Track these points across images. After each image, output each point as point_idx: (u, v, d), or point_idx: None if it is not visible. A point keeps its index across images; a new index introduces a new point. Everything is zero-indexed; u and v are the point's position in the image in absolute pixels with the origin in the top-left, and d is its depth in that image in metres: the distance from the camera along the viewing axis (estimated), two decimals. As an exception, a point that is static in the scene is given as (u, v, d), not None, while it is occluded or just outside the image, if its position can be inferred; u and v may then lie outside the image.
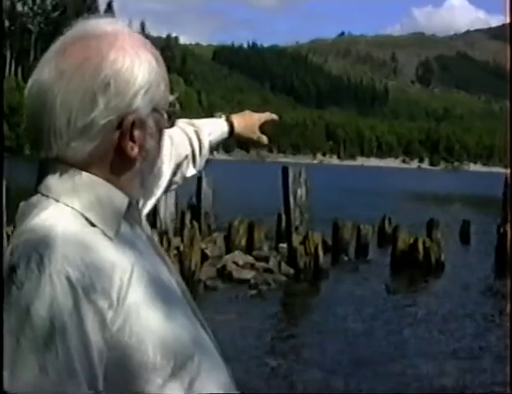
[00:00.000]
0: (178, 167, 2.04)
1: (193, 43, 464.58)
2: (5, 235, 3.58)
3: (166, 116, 1.51)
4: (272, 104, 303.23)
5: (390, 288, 18.87)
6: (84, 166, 1.40)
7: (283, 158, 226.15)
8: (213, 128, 2.21)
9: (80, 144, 1.37)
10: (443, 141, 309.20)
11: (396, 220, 25.28)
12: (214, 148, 2.23)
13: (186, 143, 2.09)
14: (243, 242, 20.51)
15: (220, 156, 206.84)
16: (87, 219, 1.37)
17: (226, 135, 2.25)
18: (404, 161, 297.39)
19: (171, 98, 1.53)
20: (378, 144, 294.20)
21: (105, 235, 1.37)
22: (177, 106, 1.56)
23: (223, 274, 17.55)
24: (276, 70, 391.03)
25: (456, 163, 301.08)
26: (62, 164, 1.40)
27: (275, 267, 18.33)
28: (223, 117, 2.26)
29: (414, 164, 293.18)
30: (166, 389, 1.35)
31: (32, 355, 1.22)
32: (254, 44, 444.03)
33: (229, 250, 19.55)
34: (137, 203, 1.54)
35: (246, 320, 13.47)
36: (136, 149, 1.42)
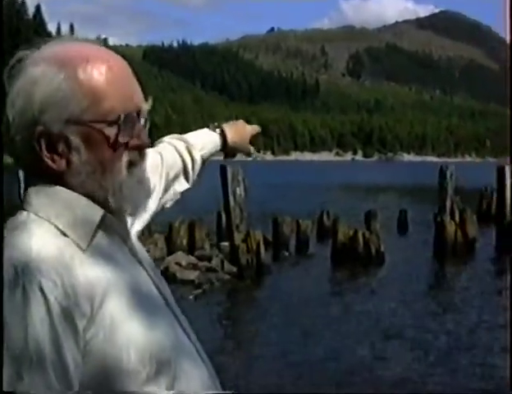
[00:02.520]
0: (170, 183, 2.06)
1: (123, 44, 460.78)
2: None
3: (108, 127, 1.47)
4: (204, 102, 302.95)
5: (332, 280, 19.19)
6: (28, 176, 1.47)
7: (218, 156, 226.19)
8: (205, 141, 2.24)
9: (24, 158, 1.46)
10: (376, 133, 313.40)
11: (335, 213, 25.65)
12: (207, 160, 2.26)
13: (178, 160, 2.11)
14: (184, 242, 20.56)
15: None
16: (61, 231, 1.41)
17: (218, 148, 2.29)
18: (337, 154, 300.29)
19: (110, 108, 1.47)
20: (311, 138, 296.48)
21: (78, 246, 1.41)
22: (138, 118, 1.51)
23: (166, 276, 17.53)
24: (207, 68, 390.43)
25: (390, 154, 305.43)
26: (36, 177, 1.47)
27: (218, 266, 18.44)
28: (217, 130, 2.30)
29: (348, 156, 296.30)
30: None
31: (8, 363, 1.25)
32: (184, 43, 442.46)
33: (171, 251, 19.58)
34: (124, 216, 1.57)
35: (192, 320, 13.56)
36: (63, 163, 1.44)
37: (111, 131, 1.47)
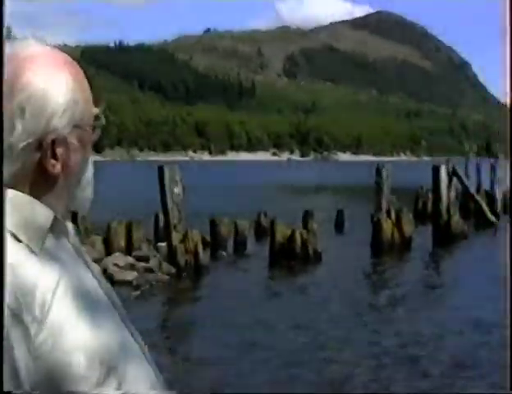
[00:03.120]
0: None
1: (60, 43, 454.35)
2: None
3: (91, 129, 1.54)
4: (141, 103, 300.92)
5: (269, 280, 19.33)
6: (13, 184, 1.44)
7: (154, 157, 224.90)
8: None
9: (5, 165, 1.41)
10: (312, 133, 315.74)
11: (272, 213, 25.82)
12: None
13: None
14: (122, 243, 20.44)
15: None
16: (14, 236, 1.41)
17: None
18: (274, 154, 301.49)
19: (95, 111, 1.56)
20: (248, 139, 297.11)
21: (31, 250, 1.41)
22: (102, 118, 1.57)
23: (104, 277, 17.40)
24: (144, 68, 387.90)
25: (326, 153, 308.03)
26: (22, 182, 1.46)
27: (156, 266, 18.40)
28: None
29: (285, 156, 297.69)
30: None
31: None
32: (121, 43, 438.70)
33: (109, 252, 19.44)
34: (66, 214, 1.57)
35: (131, 322, 13.50)
36: (59, 166, 1.47)
37: (93, 133, 1.55)
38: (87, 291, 1.48)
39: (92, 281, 1.54)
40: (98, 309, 1.47)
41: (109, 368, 1.41)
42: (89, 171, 1.58)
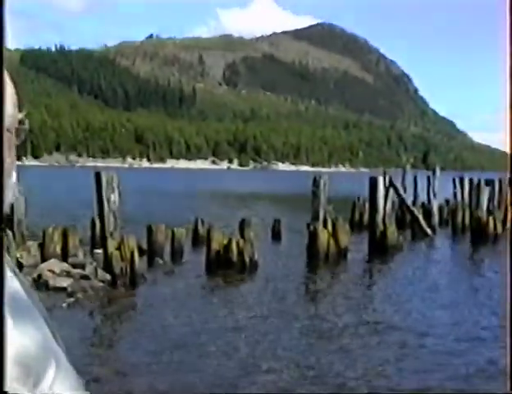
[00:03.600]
0: None
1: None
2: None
3: (14, 133, 1.51)
4: (80, 108, 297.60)
5: (205, 288, 19.32)
6: None
7: (92, 163, 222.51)
8: None
9: None
10: (250, 141, 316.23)
11: (209, 221, 25.83)
12: None
13: None
14: (58, 250, 20.21)
15: (29, 162, 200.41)
16: None
17: None
18: (213, 162, 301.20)
19: (20, 115, 1.54)
20: (187, 146, 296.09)
21: None
22: (26, 122, 1.56)
23: (39, 283, 17.25)
24: (84, 73, 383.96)
25: (264, 163, 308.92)
26: None
27: (91, 273, 18.25)
28: None
29: (224, 165, 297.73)
30: None
31: None
32: (62, 47, 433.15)
33: (44, 258, 19.20)
34: None
35: (66, 329, 13.36)
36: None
37: (17, 138, 1.54)
38: (14, 297, 1.44)
39: (17, 285, 1.51)
40: (24, 313, 1.44)
41: (37, 376, 1.38)
42: (13, 176, 1.53)
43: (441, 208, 38.36)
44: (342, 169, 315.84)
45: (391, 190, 32.04)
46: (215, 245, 21.30)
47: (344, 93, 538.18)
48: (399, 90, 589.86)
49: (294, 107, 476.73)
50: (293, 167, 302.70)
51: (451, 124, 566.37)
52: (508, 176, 30.91)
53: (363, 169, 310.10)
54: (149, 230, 23.31)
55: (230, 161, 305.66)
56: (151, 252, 22.87)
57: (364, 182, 29.35)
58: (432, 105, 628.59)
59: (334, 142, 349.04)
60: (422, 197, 37.88)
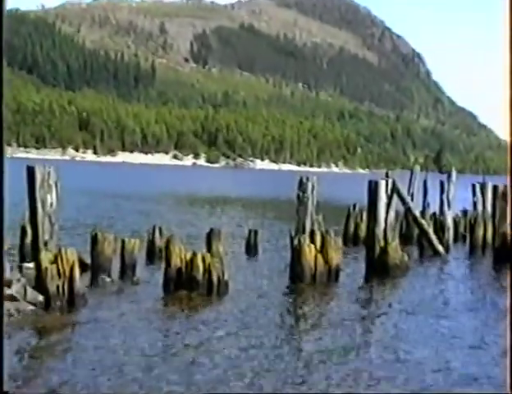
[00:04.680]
0: None
1: None
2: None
3: None
4: (10, 84, 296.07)
5: (163, 315, 19.22)
6: None
7: (24, 153, 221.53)
8: None
9: None
10: (223, 132, 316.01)
11: (169, 230, 25.77)
12: None
13: None
14: (-23, 262, 20.06)
15: None
16: None
17: None
18: (176, 157, 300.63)
19: None
20: (143, 136, 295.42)
21: None
22: None
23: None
24: (16, 41, 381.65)
25: (239, 160, 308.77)
26: None
27: (19, 293, 18.10)
28: None
29: (188, 161, 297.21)
30: None
31: None
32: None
33: (-41, 273, 19.05)
34: None
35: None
36: None
37: None
38: None
39: None
40: None
41: None
42: None
43: (456, 221, 38.53)
44: (335, 169, 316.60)
45: (395, 197, 32.13)
46: (175, 261, 21.24)
47: (339, 76, 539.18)
48: (407, 73, 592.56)
49: (277, 90, 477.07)
50: (274, 166, 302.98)
51: (472, 116, 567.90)
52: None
53: (360, 170, 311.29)
54: (94, 240, 23.21)
55: (197, 156, 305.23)
56: (95, 267, 22.78)
57: (362, 186, 29.37)
58: (449, 92, 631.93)
59: (326, 135, 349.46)
60: (434, 206, 38.02)
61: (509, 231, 32.40)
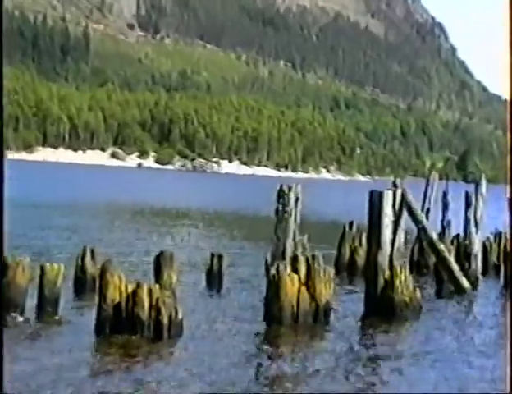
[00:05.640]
0: None
1: None
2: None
3: None
4: None
5: (94, 366, 19.13)
6: None
7: None
8: None
9: None
10: (179, 124, 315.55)
11: (105, 253, 25.71)
12: None
13: None
14: None
15: None
16: None
17: None
18: (115, 155, 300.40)
19: None
20: (72, 127, 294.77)
21: None
22: None
23: None
24: None
25: (201, 161, 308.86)
26: None
27: None
28: None
29: (133, 161, 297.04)
30: None
31: None
32: None
33: None
34: None
35: None
36: None
37: None
38: None
39: None
40: None
41: None
42: None
43: (487, 246, 38.50)
44: (326, 175, 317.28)
45: (405, 214, 32.24)
46: (113, 294, 21.15)
47: (334, 52, 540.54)
48: (424, 49, 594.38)
49: (251, 70, 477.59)
50: (246, 169, 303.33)
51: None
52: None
53: (360, 177, 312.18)
54: (3, 265, 23.11)
55: (144, 155, 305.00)
56: (3, 302, 22.67)
57: (361, 198, 29.41)
58: (479, 75, 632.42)
59: (314, 131, 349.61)
60: (457, 227, 38.14)
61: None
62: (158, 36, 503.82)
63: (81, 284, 27.04)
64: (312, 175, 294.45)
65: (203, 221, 61.07)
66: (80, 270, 27.49)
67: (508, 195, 37.64)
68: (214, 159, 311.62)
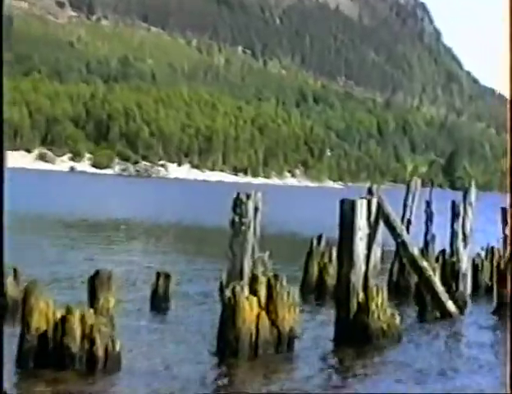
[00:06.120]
0: None
1: None
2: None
3: None
4: None
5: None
6: None
7: None
8: None
9: None
10: (118, 120, 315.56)
11: (31, 273, 25.62)
12: None
13: None
14: None
15: None
16: None
17: None
18: (43, 157, 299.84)
19: None
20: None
21: None
22: None
23: None
24: None
25: (144, 163, 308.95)
26: None
27: None
28: None
29: (64, 163, 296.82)
30: None
31: None
32: None
33: None
34: None
35: None
36: None
37: None
38: None
39: None
40: None
41: None
42: None
43: (477, 264, 38.68)
44: (291, 181, 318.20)
45: (382, 226, 32.30)
46: (38, 321, 21.11)
47: (299, 37, 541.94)
48: (405, 34, 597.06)
49: (204, 58, 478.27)
50: (198, 174, 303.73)
51: (503, 102, 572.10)
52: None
53: (330, 183, 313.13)
54: None
55: (77, 157, 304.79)
56: None
57: (331, 208, 29.45)
58: (469, 65, 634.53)
59: (278, 129, 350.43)
60: (442, 241, 38.31)
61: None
62: (94, 17, 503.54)
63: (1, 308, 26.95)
64: (274, 180, 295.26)
65: (146, 234, 61.14)
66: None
67: (507, 204, 37.76)
68: (161, 162, 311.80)
